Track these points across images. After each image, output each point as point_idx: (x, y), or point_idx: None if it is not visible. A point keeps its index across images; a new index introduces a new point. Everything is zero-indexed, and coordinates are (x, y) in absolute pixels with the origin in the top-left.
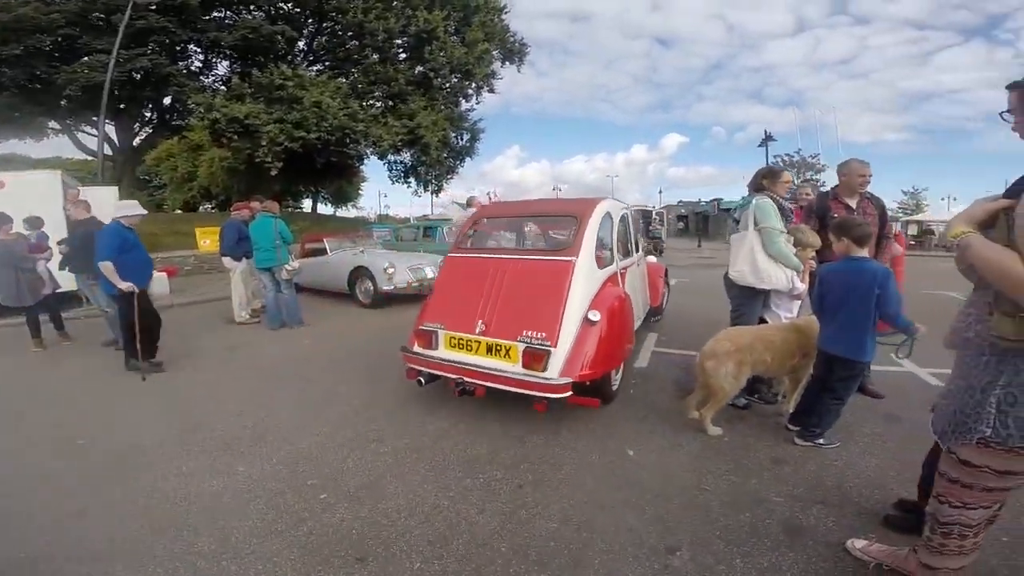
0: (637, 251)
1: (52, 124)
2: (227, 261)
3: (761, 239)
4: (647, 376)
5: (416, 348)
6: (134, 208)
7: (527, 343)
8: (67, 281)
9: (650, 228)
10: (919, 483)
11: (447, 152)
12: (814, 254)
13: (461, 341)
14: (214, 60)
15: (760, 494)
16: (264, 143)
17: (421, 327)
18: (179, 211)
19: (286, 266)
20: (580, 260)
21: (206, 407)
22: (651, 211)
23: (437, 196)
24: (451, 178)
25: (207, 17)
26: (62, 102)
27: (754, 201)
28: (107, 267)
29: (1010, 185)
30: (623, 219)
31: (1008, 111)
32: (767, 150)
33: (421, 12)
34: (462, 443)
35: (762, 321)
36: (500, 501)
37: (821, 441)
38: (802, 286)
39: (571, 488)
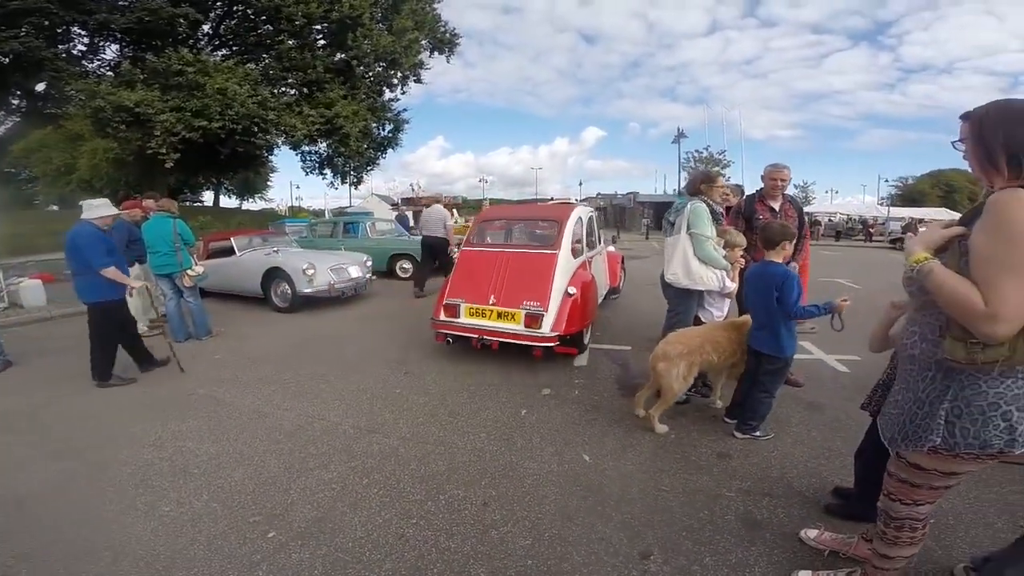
0: (600, 243)
1: None
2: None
3: (692, 243)
4: (589, 374)
5: (443, 317)
6: (106, 207)
7: (527, 309)
8: None
9: None
10: (855, 476)
11: (368, 143)
12: (743, 252)
13: (478, 310)
14: (101, 44)
15: (714, 490)
16: (158, 133)
17: (446, 302)
18: (55, 207)
19: (188, 271)
20: (561, 253)
21: (112, 437)
22: (571, 203)
23: (356, 188)
24: (371, 170)
25: None
26: None
27: (689, 205)
28: (112, 272)
29: (964, 213)
30: (589, 220)
31: (960, 140)
32: (679, 147)
33: None
34: (414, 461)
35: (697, 319)
36: (468, 522)
37: (757, 433)
38: (732, 285)
39: (536, 501)
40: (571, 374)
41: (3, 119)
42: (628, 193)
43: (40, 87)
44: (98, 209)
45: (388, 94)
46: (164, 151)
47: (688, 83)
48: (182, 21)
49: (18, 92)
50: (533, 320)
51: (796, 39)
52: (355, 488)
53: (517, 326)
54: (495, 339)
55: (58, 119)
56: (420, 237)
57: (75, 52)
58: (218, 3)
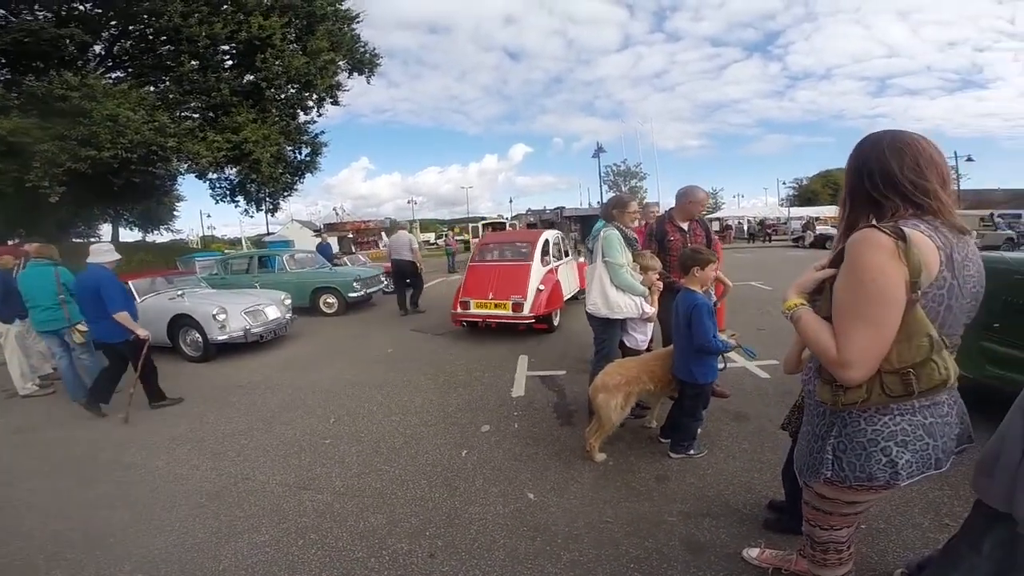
0: (567, 256)
1: None
2: None
3: (607, 271)
4: (526, 405)
5: (459, 310)
6: (111, 253)
7: (513, 300)
8: None
9: None
10: (785, 492)
11: (282, 168)
12: (659, 274)
13: (481, 303)
14: None
15: (656, 516)
16: (37, 164)
17: (461, 299)
18: None
19: (78, 325)
20: (534, 263)
21: (14, 505)
22: (504, 221)
23: (273, 215)
24: (288, 195)
25: None
26: None
27: (602, 233)
28: (124, 316)
29: (834, 253)
30: (556, 241)
31: None
32: (599, 161)
33: (256, 18)
34: (351, 516)
35: (622, 345)
36: None
37: (691, 452)
38: (651, 309)
39: (485, 547)
40: (509, 406)
41: None
42: (555, 208)
43: None
44: (107, 254)
45: (303, 116)
46: (47, 184)
47: (604, 97)
48: (67, 41)
49: None
50: (517, 307)
51: (698, 52)
52: (291, 550)
53: (507, 312)
54: (494, 321)
55: None
56: (344, 268)
57: None
58: (112, 23)
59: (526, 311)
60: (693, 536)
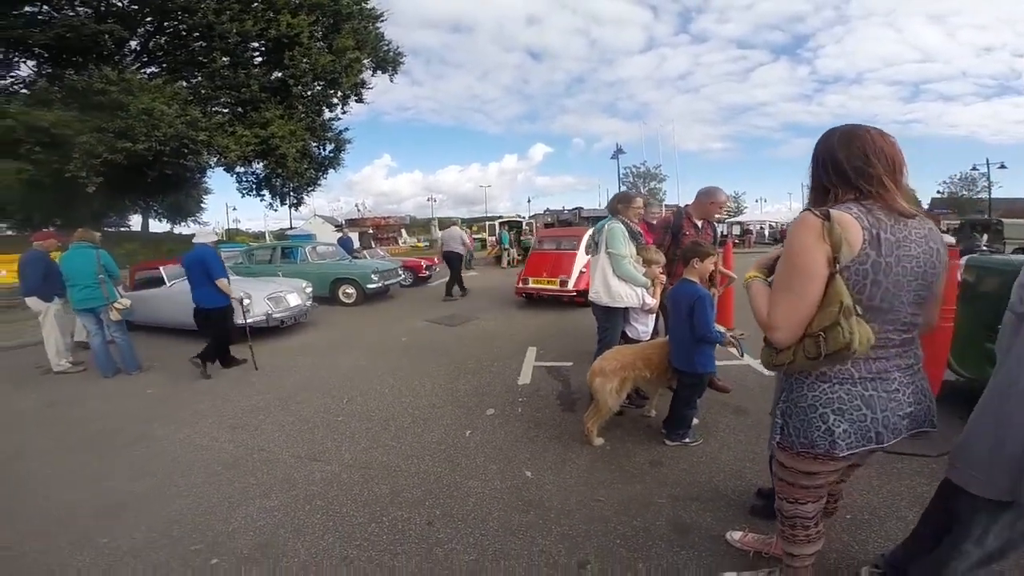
0: (600, 251)
1: None
2: (33, 303)
3: (611, 263)
4: (531, 392)
5: (520, 284)
6: (212, 235)
7: (561, 278)
8: None
9: (521, 238)
10: (772, 477)
11: (307, 163)
12: (662, 268)
13: (538, 280)
14: (16, 60)
15: (646, 497)
16: (77, 155)
17: (523, 277)
18: None
19: (115, 304)
20: (579, 252)
21: (37, 477)
22: (521, 221)
23: (296, 209)
24: (312, 190)
25: (16, 12)
26: None
27: (606, 226)
28: (224, 283)
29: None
30: (591, 236)
31: None
32: (619, 162)
33: (284, 16)
34: (356, 486)
35: (624, 336)
36: (412, 541)
37: (687, 440)
38: (652, 301)
39: (480, 518)
40: (515, 393)
41: None
42: (574, 208)
43: None
44: (209, 236)
45: (328, 113)
46: (84, 174)
47: (627, 99)
48: (107, 38)
49: None
50: (563, 284)
51: (723, 54)
52: (297, 514)
53: (555, 287)
54: (547, 293)
55: None
56: (364, 261)
57: None
58: (147, 19)
59: (569, 286)
60: (680, 518)
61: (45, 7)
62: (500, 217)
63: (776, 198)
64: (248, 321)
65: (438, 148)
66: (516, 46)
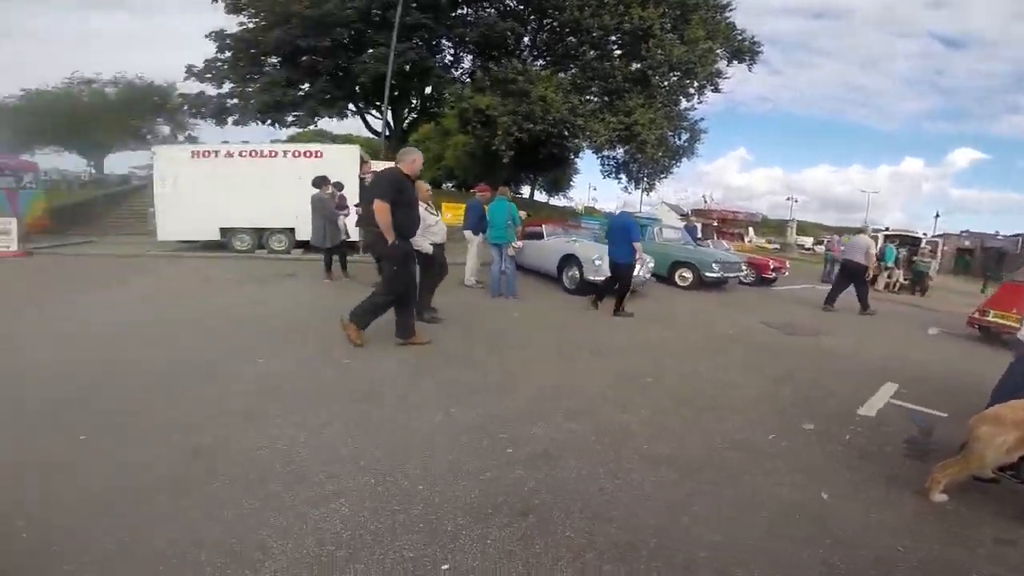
0: None
1: (350, 107)
2: (468, 234)
3: None
4: (871, 426)
5: (978, 315)
6: (633, 207)
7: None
8: (356, 234)
9: (913, 259)
10: None
11: (663, 151)
12: None
13: (1006, 316)
14: (461, 55)
15: (962, 565)
16: (500, 132)
17: (983, 307)
18: (427, 187)
19: (513, 244)
20: None
21: (456, 362)
22: (920, 237)
23: (648, 194)
24: (664, 177)
25: (454, 14)
26: (356, 88)
27: None
28: (638, 245)
29: None
30: None
31: None
32: None
33: (635, 9)
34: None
35: None
36: (659, 509)
37: None
38: None
39: (751, 510)
40: (849, 420)
41: (406, 116)
42: (1015, 235)
43: (427, 90)
44: (631, 207)
45: (684, 103)
46: (503, 148)
47: None
48: (510, 34)
49: (415, 93)
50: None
51: None
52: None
53: (1016, 325)
54: (1007, 332)
55: (437, 117)
56: (706, 249)
57: (446, 62)
58: (532, 17)
59: None
60: None
61: (468, 8)
62: (884, 229)
63: None
64: (593, 278)
65: (804, 143)
66: (916, 31)
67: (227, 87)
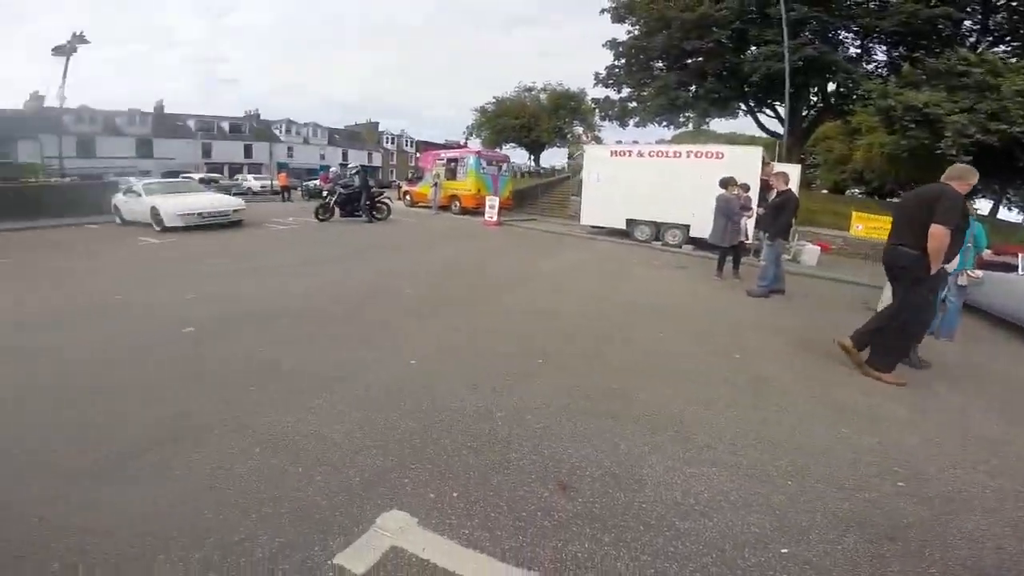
0: None
1: (740, 106)
2: None
3: None
4: None
5: None
6: None
7: None
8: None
9: None
10: None
11: None
12: None
13: None
14: (870, 46)
15: None
16: (948, 134)
17: None
18: (825, 191)
19: (968, 271)
20: None
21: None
22: None
23: None
24: None
25: (854, 4)
26: (745, 87)
27: None
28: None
29: None
30: None
31: None
32: None
33: None
34: None
35: None
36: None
37: None
38: None
39: None
40: None
41: (804, 113)
42: None
43: (831, 87)
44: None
45: None
46: (954, 152)
47: None
48: (943, 21)
49: (815, 90)
50: None
51: None
52: None
53: None
54: None
55: (844, 114)
56: None
57: (851, 55)
58: None
59: None
60: None
61: None
62: None
63: None
64: None
65: None
66: None
67: (625, 91)
